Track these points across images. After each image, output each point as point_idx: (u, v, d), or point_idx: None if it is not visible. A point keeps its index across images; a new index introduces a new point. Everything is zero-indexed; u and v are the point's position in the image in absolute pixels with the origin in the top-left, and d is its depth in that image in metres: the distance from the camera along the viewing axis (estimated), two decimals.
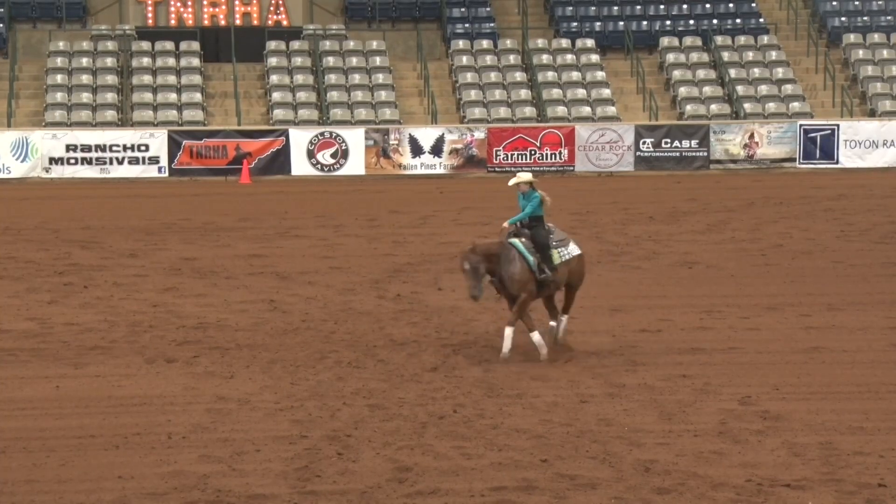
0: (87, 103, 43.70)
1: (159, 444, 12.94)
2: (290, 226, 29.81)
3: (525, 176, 17.03)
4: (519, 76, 46.07)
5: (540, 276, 16.52)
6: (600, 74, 46.12)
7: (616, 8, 49.27)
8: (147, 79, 45.00)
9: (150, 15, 47.35)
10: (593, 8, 49.29)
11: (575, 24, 48.77)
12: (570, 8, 49.36)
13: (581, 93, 45.25)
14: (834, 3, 49.65)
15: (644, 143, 42.41)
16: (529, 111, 44.58)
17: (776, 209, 32.24)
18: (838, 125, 43.06)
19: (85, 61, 45.34)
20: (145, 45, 46.17)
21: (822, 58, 47.07)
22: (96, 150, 41.15)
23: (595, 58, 46.96)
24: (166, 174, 41.24)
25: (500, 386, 15.17)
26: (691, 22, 48.87)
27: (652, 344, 17.29)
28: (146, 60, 45.71)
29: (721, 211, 31.91)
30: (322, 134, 41.90)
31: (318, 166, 41.75)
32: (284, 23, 47.65)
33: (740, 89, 45.42)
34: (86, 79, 44.58)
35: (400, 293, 21.18)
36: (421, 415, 13.93)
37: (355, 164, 41.84)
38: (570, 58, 46.85)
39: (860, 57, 47.03)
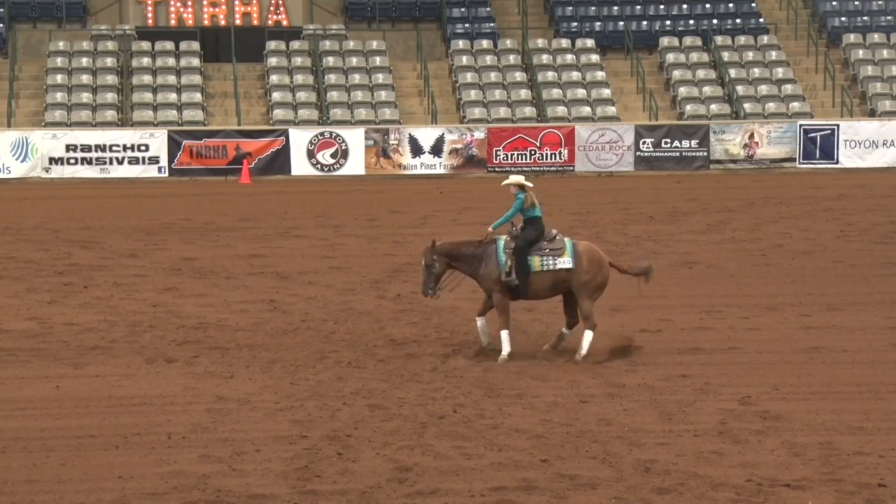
0: (87, 103, 43.71)
1: (159, 444, 12.94)
2: (290, 226, 29.81)
3: (514, 178, 17.01)
4: (519, 76, 46.07)
5: (504, 278, 16.51)
6: (600, 74, 46.12)
7: (616, 8, 49.27)
8: (147, 79, 45.01)
9: (150, 15, 47.35)
10: (593, 8, 49.30)
11: (575, 24, 48.78)
12: (570, 8, 49.36)
13: (581, 93, 45.26)
14: (834, 3, 49.66)
15: (644, 143, 42.41)
16: (529, 111, 44.58)
17: (776, 209, 32.24)
18: (838, 125, 43.06)
19: (85, 61, 45.35)
20: (145, 45, 46.17)
21: (822, 58, 47.08)
22: (96, 150, 41.14)
23: (595, 58, 46.97)
24: (166, 174, 41.24)
25: (500, 386, 15.17)
26: (691, 22, 48.88)
27: (652, 344, 17.29)
28: (146, 60, 45.72)
29: (721, 211, 31.91)
30: (322, 134, 41.90)
31: (318, 166, 41.75)
32: (284, 23, 47.66)
33: (740, 89, 45.42)
34: (86, 79, 44.59)
35: (400, 293, 21.18)
36: (421, 415, 13.93)
37: (355, 164, 41.84)
38: (570, 58, 46.86)
39: (860, 57, 47.04)
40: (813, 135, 42.85)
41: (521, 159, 42.11)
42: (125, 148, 41.24)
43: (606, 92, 45.41)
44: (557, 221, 17.58)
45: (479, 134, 42.27)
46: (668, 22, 48.84)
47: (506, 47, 47.44)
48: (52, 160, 40.91)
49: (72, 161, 41.03)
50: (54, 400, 14.67)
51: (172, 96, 44.40)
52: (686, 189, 37.34)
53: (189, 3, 47.28)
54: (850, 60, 47.20)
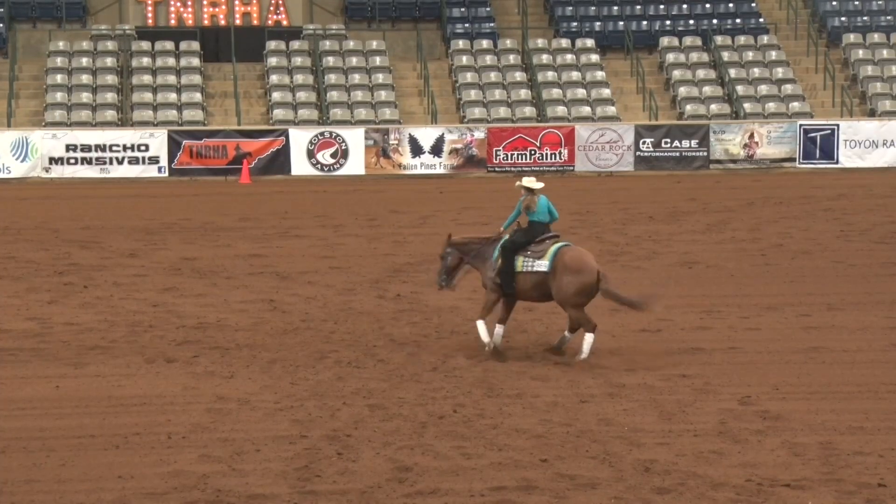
0: (87, 103, 43.70)
1: (159, 444, 12.94)
2: (290, 226, 29.81)
3: (524, 180, 17.18)
4: (519, 76, 46.07)
5: (489, 274, 16.84)
6: (600, 74, 46.12)
7: (616, 8, 49.28)
8: (147, 79, 45.01)
9: (149, 15, 47.35)
10: (593, 8, 49.30)
11: (575, 23, 48.78)
12: (570, 8, 49.36)
13: (581, 93, 45.26)
14: (834, 3, 49.66)
15: (644, 142, 42.41)
16: (529, 111, 44.58)
17: (776, 209, 32.24)
18: (838, 125, 43.06)
19: (85, 61, 45.35)
20: (145, 45, 46.17)
21: (821, 58, 47.08)
22: (96, 150, 41.14)
23: (595, 58, 46.97)
24: (166, 174, 41.24)
25: (500, 386, 15.17)
26: (691, 22, 48.88)
27: (652, 344, 17.29)
28: (146, 60, 45.72)
29: (721, 211, 31.91)
30: (322, 134, 41.90)
31: (318, 166, 41.74)
32: (284, 23, 47.66)
33: (740, 89, 45.42)
34: (86, 79, 44.59)
35: (400, 293, 21.18)
36: (421, 415, 13.93)
37: (355, 164, 41.84)
38: (569, 58, 46.86)
39: (860, 57, 47.04)
40: (813, 135, 42.85)
41: (521, 159, 42.11)
42: (125, 148, 41.24)
43: (606, 92, 45.41)
44: (557, 221, 17.54)
45: (479, 134, 42.27)
46: (668, 22, 48.85)
47: (506, 47, 47.44)
48: (52, 160, 40.91)
49: (72, 161, 41.03)
50: (54, 400, 14.67)
51: (172, 96, 44.40)
52: (686, 189, 37.34)
53: (189, 2, 47.28)
54: (850, 60, 47.20)
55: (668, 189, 37.56)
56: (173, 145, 41.27)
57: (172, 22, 47.32)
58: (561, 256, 16.52)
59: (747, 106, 44.77)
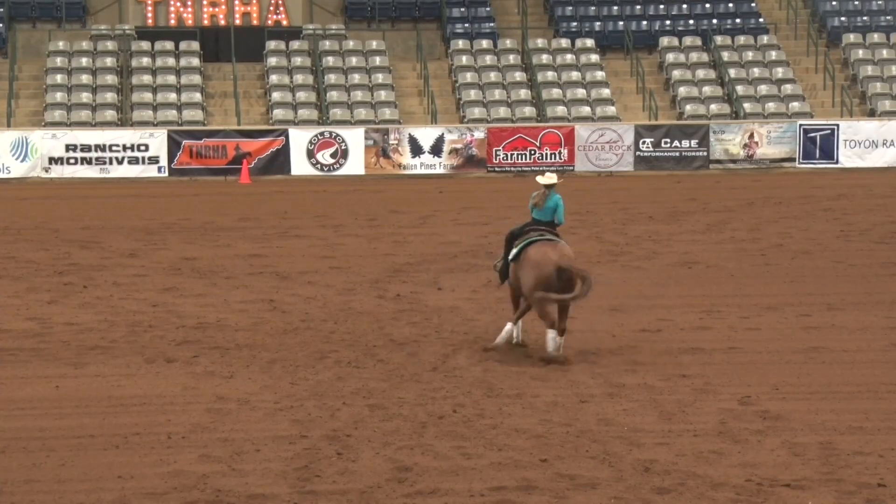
0: (87, 103, 43.71)
1: (159, 444, 12.94)
2: (290, 226, 29.81)
3: (539, 178, 17.28)
4: (519, 76, 46.07)
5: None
6: (600, 74, 46.13)
7: (616, 8, 49.28)
8: (147, 79, 45.01)
9: (149, 15, 47.35)
10: (593, 8, 49.31)
11: (575, 23, 48.78)
12: (570, 8, 49.37)
13: (581, 93, 45.26)
14: (834, 3, 49.67)
15: (644, 142, 42.42)
16: (529, 111, 44.59)
17: (776, 209, 32.24)
18: (838, 125, 43.07)
19: (84, 61, 45.35)
20: (145, 45, 46.18)
21: (821, 58, 47.09)
22: (96, 150, 41.16)
23: (595, 58, 46.97)
24: (166, 174, 41.25)
25: (499, 386, 15.17)
26: (691, 22, 48.89)
27: (652, 344, 17.29)
28: (146, 60, 45.72)
29: (721, 211, 31.91)
30: (322, 134, 41.91)
31: (318, 166, 41.75)
32: (284, 23, 47.66)
33: (740, 89, 45.43)
34: (85, 79, 44.59)
35: (400, 293, 21.18)
36: (421, 415, 13.93)
37: (355, 164, 41.84)
38: (569, 58, 46.86)
39: (860, 57, 47.05)
40: (813, 135, 42.86)
41: (521, 159, 42.12)
42: (125, 148, 41.25)
43: (606, 92, 45.42)
44: (562, 226, 17.50)
45: (479, 134, 42.28)
46: (667, 22, 48.85)
47: (505, 47, 47.44)
48: (52, 160, 40.92)
49: (72, 161, 41.03)
50: (54, 400, 14.66)
51: (172, 96, 44.40)
52: (686, 189, 37.34)
53: (189, 2, 47.29)
54: (849, 60, 47.21)
55: (668, 189, 37.56)
56: (173, 145, 41.28)
57: (172, 22, 47.33)
58: (527, 249, 16.52)
59: (747, 106, 44.78)
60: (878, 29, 48.64)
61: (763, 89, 45.49)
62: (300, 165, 41.67)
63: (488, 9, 48.99)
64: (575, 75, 45.99)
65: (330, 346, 17.29)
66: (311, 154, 41.71)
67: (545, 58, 46.89)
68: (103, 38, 46.37)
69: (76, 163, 41.05)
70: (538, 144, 42.18)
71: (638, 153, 42.41)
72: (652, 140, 42.47)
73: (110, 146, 41.19)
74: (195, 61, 45.93)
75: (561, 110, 44.52)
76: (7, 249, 26.25)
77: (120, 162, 41.20)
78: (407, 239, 27.42)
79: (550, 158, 42.09)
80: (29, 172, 40.88)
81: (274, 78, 45.22)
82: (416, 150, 42.00)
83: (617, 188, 37.79)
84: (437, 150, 42.05)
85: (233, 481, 11.78)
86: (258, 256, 25.21)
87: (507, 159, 42.16)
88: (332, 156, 41.84)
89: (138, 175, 41.04)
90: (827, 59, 46.68)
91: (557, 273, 16.11)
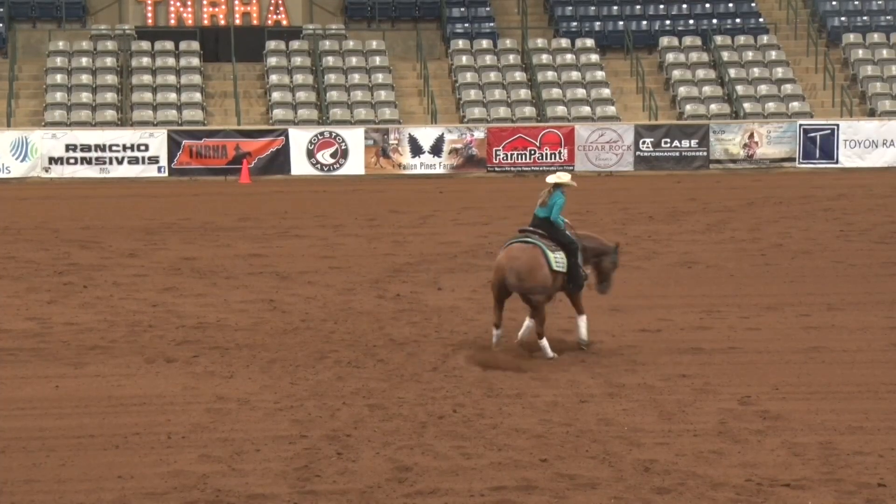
0: (87, 103, 43.71)
1: (159, 443, 12.94)
2: (290, 226, 29.81)
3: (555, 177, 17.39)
4: (518, 76, 46.08)
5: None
6: (600, 74, 46.13)
7: (616, 8, 49.28)
8: (147, 78, 45.01)
9: (149, 15, 47.35)
10: (593, 8, 49.31)
11: (575, 23, 48.79)
12: (570, 8, 49.37)
13: (581, 92, 45.27)
14: (834, 2, 49.67)
15: (644, 142, 42.42)
16: (529, 111, 44.59)
17: (776, 209, 32.24)
18: (838, 125, 43.07)
19: (84, 61, 45.35)
20: (145, 45, 46.18)
21: (821, 57, 47.09)
22: (96, 150, 41.16)
23: (595, 57, 46.97)
24: (166, 174, 41.25)
25: (499, 386, 15.17)
26: (691, 22, 48.89)
27: (652, 344, 17.29)
28: (146, 60, 45.72)
29: (721, 211, 31.91)
30: (322, 134, 41.91)
31: (318, 166, 41.75)
32: (284, 22, 47.66)
33: (740, 89, 45.43)
34: (85, 78, 44.59)
35: (400, 293, 21.18)
36: (421, 414, 13.93)
37: (355, 164, 41.84)
38: (569, 57, 46.87)
39: (860, 57, 47.05)
40: (813, 134, 42.86)
41: (521, 159, 42.12)
42: (125, 148, 41.26)
43: (606, 92, 45.42)
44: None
45: (479, 134, 42.28)
46: (667, 22, 48.85)
47: (505, 47, 47.44)
48: (52, 160, 40.92)
49: (71, 161, 41.03)
50: (54, 400, 14.66)
51: (172, 96, 44.40)
52: (686, 189, 37.34)
53: (189, 2, 47.29)
54: (849, 60, 47.21)
55: (668, 189, 37.56)
56: (173, 145, 41.28)
57: (172, 22, 47.33)
58: (504, 250, 16.77)
59: (747, 106, 44.78)
60: (878, 29, 48.64)
61: (763, 89, 45.49)
62: (300, 165, 41.67)
63: (488, 9, 49.00)
64: (575, 75, 46.00)
65: (330, 346, 17.29)
66: (311, 154, 41.72)
67: (545, 58, 46.89)
68: (103, 38, 46.37)
69: (76, 163, 41.06)
70: (538, 144, 42.18)
71: (638, 153, 42.41)
72: (652, 140, 42.47)
73: (110, 146, 41.19)
74: (195, 61, 45.94)
75: (561, 110, 44.52)
76: (7, 249, 26.25)
77: (120, 162, 41.20)
78: (407, 239, 27.42)
79: (550, 158, 42.09)
80: (29, 172, 40.88)
81: (274, 78, 45.23)
82: (416, 150, 42.00)
83: (617, 188, 37.79)
84: (437, 150, 42.05)
85: (233, 481, 11.78)
86: (258, 256, 25.21)
87: (507, 159, 42.16)
88: (332, 156, 41.84)
89: (138, 175, 41.05)
90: (827, 59, 46.68)
91: (504, 278, 16.33)
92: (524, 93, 45.41)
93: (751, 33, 48.20)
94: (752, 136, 42.83)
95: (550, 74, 46.06)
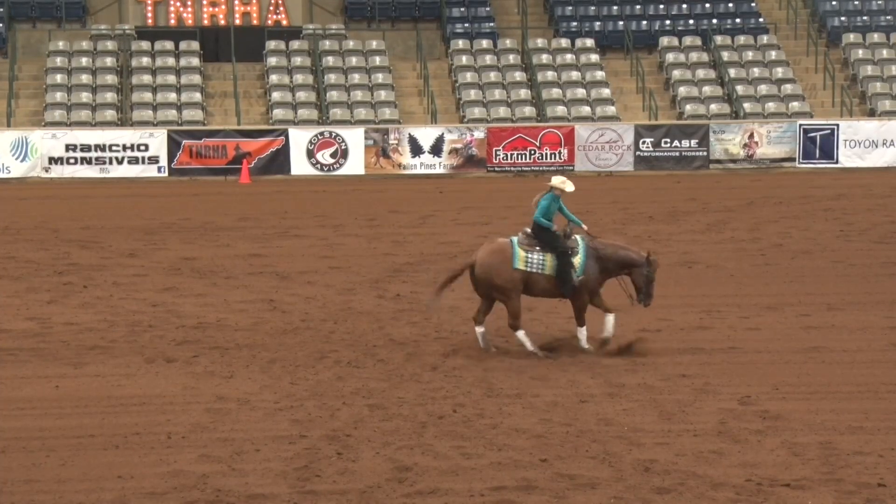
0: (87, 103, 43.70)
1: (159, 443, 12.94)
2: (290, 225, 29.81)
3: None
4: (518, 76, 46.07)
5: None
6: (600, 74, 46.12)
7: (616, 8, 49.27)
8: (146, 78, 45.00)
9: (149, 15, 47.35)
10: (593, 8, 49.29)
11: (574, 23, 48.78)
12: (570, 8, 49.36)
13: (581, 92, 45.26)
14: (834, 2, 49.66)
15: (644, 142, 42.41)
16: (529, 111, 44.58)
17: (776, 209, 32.24)
18: (838, 125, 43.06)
19: (84, 61, 45.34)
20: (145, 45, 46.17)
21: (821, 57, 47.08)
22: (96, 150, 41.15)
23: (595, 57, 46.96)
24: (166, 174, 41.24)
25: (499, 386, 15.17)
26: (691, 22, 48.87)
27: (652, 344, 17.29)
28: (146, 60, 45.72)
29: (721, 211, 31.91)
30: (322, 134, 41.90)
31: (318, 166, 41.74)
32: (284, 22, 47.65)
33: (740, 89, 45.42)
34: (85, 78, 44.59)
35: (400, 293, 21.18)
36: (420, 414, 13.93)
37: (355, 164, 41.84)
38: (569, 57, 46.85)
39: (860, 57, 47.05)
40: (812, 134, 42.85)
41: (521, 159, 42.11)
42: (125, 148, 41.24)
43: (606, 92, 45.41)
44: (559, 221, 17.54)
45: (479, 134, 42.27)
46: (667, 22, 48.84)
47: (505, 47, 47.44)
48: (52, 160, 40.90)
49: (71, 161, 41.02)
50: (54, 400, 14.67)
51: (172, 96, 44.40)
52: (686, 189, 37.34)
53: (189, 2, 47.28)
54: (849, 60, 47.21)
55: (668, 189, 37.56)
56: (173, 145, 41.27)
57: (172, 22, 47.32)
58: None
59: (747, 106, 44.77)
60: (878, 29, 48.62)
61: (763, 89, 45.49)
62: (300, 165, 41.66)
63: (488, 9, 48.99)
64: (575, 75, 45.99)
65: (330, 346, 17.30)
66: (311, 154, 41.71)
67: (545, 58, 46.88)
68: (103, 38, 46.36)
69: (76, 163, 41.04)
70: (538, 144, 42.17)
71: (638, 153, 42.41)
72: (652, 140, 42.46)
73: (110, 146, 41.17)
74: (195, 61, 45.93)
75: (561, 110, 44.51)
76: (7, 249, 26.26)
77: (120, 162, 41.19)
78: (407, 239, 27.42)
79: (550, 158, 42.09)
80: (29, 172, 40.87)
81: (274, 78, 45.22)
82: (416, 149, 41.99)
83: (617, 188, 37.79)
84: (436, 149, 42.04)
85: (233, 481, 11.79)
86: (258, 256, 25.21)
87: (506, 159, 42.15)
88: (332, 156, 41.83)
89: (138, 175, 41.04)
90: (827, 59, 46.67)
91: (473, 271, 16.84)
92: (524, 93, 45.41)
93: (751, 33, 48.19)
94: (752, 136, 42.83)
95: (550, 74, 46.06)
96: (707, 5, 49.43)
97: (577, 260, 16.75)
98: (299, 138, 41.68)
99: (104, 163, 41.15)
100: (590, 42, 47.60)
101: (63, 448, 12.77)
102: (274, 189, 38.36)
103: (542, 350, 16.69)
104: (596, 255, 16.87)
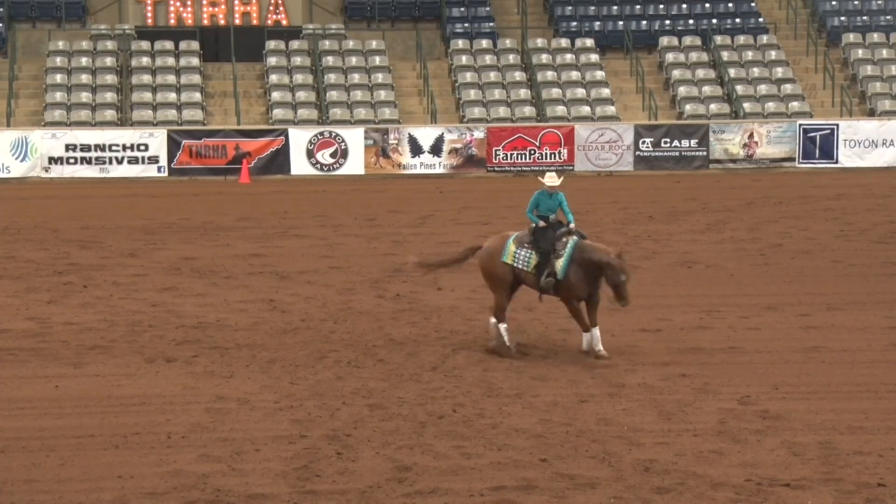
0: (87, 103, 43.70)
1: (159, 443, 12.94)
2: (290, 225, 29.81)
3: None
4: (518, 76, 46.07)
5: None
6: (600, 74, 46.12)
7: (615, 7, 49.27)
8: (146, 78, 45.00)
9: (149, 14, 47.35)
10: (593, 7, 49.29)
11: (574, 23, 48.78)
12: (570, 7, 49.36)
13: (580, 92, 45.26)
14: (833, 2, 49.66)
15: (643, 142, 42.41)
16: (529, 111, 44.58)
17: (776, 209, 32.24)
18: (838, 125, 43.06)
19: (84, 61, 45.34)
20: (144, 45, 46.17)
21: (821, 57, 47.08)
22: (96, 150, 41.15)
23: (594, 57, 46.96)
24: (166, 174, 41.24)
25: (499, 385, 15.17)
26: (691, 21, 48.88)
27: (652, 344, 17.29)
28: (145, 60, 45.71)
29: (720, 211, 31.91)
30: (321, 133, 41.90)
31: (318, 166, 41.74)
32: (284, 22, 47.65)
33: (740, 89, 45.42)
34: (85, 78, 44.58)
35: (399, 293, 21.18)
36: (420, 414, 13.93)
37: (355, 164, 41.83)
38: (569, 57, 46.85)
39: (859, 56, 47.05)
40: (812, 134, 42.85)
41: (521, 159, 42.11)
42: (125, 147, 41.24)
43: (606, 91, 45.41)
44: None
45: (479, 133, 42.27)
46: (667, 21, 48.84)
47: (505, 47, 47.43)
48: (52, 160, 40.90)
49: (71, 161, 41.02)
50: (54, 399, 14.67)
51: (172, 96, 44.40)
52: (685, 189, 37.34)
53: (188, 2, 47.28)
54: (849, 60, 47.21)
55: (668, 189, 37.56)
56: (173, 145, 41.27)
57: (172, 22, 47.32)
58: None
59: (747, 106, 44.78)
60: (878, 29, 48.62)
61: (763, 89, 45.49)
62: (300, 165, 41.66)
63: (488, 8, 48.99)
64: (575, 75, 45.99)
65: (330, 345, 17.30)
66: (310, 154, 41.71)
67: (545, 57, 46.88)
68: (103, 38, 46.36)
69: (76, 163, 41.04)
70: (538, 144, 42.17)
71: (638, 153, 42.40)
72: (652, 140, 42.46)
73: (110, 146, 41.18)
74: (195, 61, 45.93)
75: (561, 110, 44.51)
76: (7, 249, 26.26)
77: (120, 162, 41.19)
78: (407, 239, 27.42)
79: (550, 158, 42.09)
80: (29, 172, 40.87)
81: (274, 78, 45.22)
82: (416, 149, 41.99)
83: (617, 188, 37.79)
84: (436, 149, 42.05)
85: (233, 481, 11.79)
86: (258, 256, 25.22)
87: (506, 159, 42.15)
88: (332, 155, 41.83)
89: (138, 175, 41.04)
90: (827, 59, 46.67)
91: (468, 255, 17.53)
92: (524, 93, 45.41)
93: (751, 33, 48.19)
94: (751, 135, 42.83)
95: (550, 74, 46.06)
96: (707, 5, 49.43)
97: (560, 262, 16.64)
98: (299, 138, 41.68)
99: (104, 163, 41.15)
100: (590, 42, 47.60)
101: (63, 448, 12.77)
102: (274, 189, 38.36)
103: (518, 348, 16.71)
104: (581, 260, 16.65)
